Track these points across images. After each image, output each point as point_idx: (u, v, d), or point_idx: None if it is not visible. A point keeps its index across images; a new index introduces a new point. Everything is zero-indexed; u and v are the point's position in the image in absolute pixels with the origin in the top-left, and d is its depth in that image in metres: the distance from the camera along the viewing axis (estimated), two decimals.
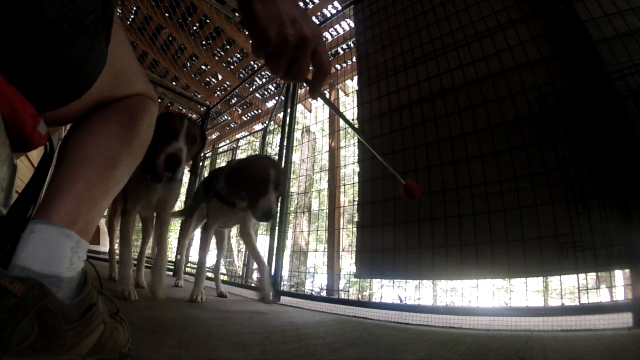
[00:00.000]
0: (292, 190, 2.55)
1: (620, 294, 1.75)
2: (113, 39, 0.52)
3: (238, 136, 4.62)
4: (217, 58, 4.47)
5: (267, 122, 3.46)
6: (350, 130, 2.42)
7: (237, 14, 3.61)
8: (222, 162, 4.52)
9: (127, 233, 1.49)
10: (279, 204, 1.98)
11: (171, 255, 3.57)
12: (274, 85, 4.37)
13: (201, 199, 1.94)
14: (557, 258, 1.33)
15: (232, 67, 4.54)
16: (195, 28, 4.11)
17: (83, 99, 0.49)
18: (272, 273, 2.14)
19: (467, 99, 1.74)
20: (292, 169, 2.58)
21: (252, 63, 4.36)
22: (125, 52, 0.58)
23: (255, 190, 1.46)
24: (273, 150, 3.17)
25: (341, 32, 3.50)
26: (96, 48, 0.48)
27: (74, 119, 0.54)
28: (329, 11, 3.48)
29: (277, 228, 2.27)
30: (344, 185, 2.39)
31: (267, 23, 0.38)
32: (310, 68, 0.44)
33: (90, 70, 0.48)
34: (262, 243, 2.53)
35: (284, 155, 2.45)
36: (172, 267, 3.32)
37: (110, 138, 0.52)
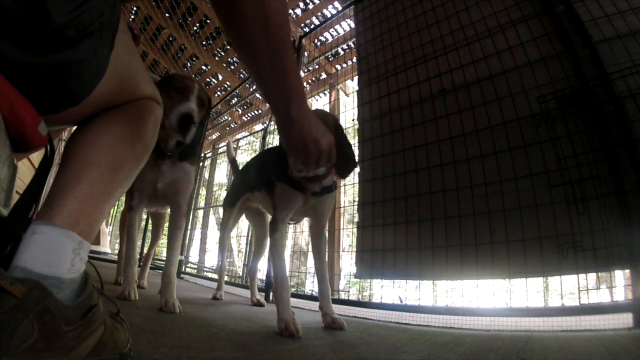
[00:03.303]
0: None
1: (620, 294, 1.75)
2: (119, 45, 0.51)
3: (238, 136, 4.61)
4: (217, 58, 4.47)
5: (267, 122, 3.46)
6: (349, 130, 2.41)
7: None
8: (222, 162, 4.51)
9: (132, 231, 1.42)
10: None
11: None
12: None
13: (253, 185, 1.63)
14: (557, 258, 1.33)
15: (232, 67, 4.54)
16: (195, 28, 4.11)
17: (85, 103, 0.49)
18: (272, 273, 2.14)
19: (467, 99, 1.75)
20: None
21: None
22: (132, 57, 0.58)
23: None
24: None
25: (341, 32, 3.50)
26: (98, 54, 0.47)
27: (77, 120, 0.54)
28: (329, 11, 3.48)
29: None
30: (344, 185, 2.38)
31: (308, 139, 0.61)
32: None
33: (90, 76, 0.48)
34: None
35: None
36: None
37: (114, 141, 0.53)
